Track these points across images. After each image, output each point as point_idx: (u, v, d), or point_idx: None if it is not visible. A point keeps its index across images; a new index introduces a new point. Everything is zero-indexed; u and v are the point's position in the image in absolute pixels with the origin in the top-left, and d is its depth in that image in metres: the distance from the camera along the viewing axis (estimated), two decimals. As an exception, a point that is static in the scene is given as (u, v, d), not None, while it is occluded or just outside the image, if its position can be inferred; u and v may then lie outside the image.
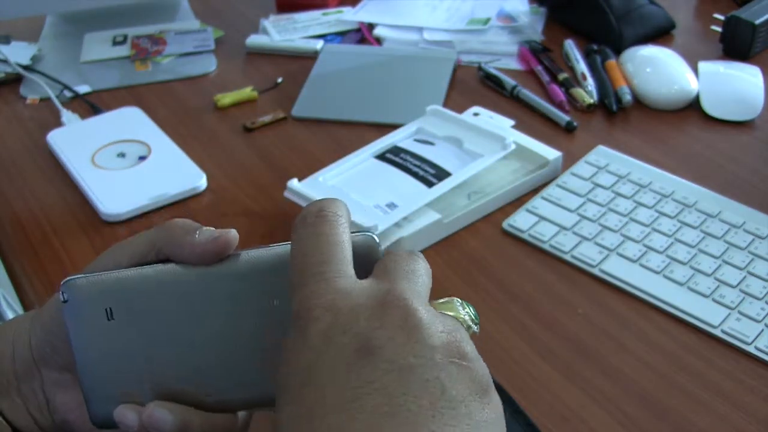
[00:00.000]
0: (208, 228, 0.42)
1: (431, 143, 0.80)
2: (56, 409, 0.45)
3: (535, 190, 0.78)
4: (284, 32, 1.06)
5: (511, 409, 0.57)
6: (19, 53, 1.01)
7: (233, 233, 0.41)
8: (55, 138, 0.86)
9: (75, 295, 0.41)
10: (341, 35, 1.06)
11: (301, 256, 0.37)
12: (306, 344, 0.34)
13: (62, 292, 0.41)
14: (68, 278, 0.41)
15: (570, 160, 0.81)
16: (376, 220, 0.68)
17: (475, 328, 0.39)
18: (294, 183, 0.73)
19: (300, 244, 0.38)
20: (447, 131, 0.81)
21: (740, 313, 0.64)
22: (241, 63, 1.02)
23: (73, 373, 0.44)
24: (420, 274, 0.38)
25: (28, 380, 0.45)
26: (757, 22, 0.96)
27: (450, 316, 0.37)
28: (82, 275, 0.41)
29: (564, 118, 0.87)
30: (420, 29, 1.06)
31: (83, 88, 0.96)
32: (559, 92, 0.91)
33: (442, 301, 0.40)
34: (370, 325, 0.34)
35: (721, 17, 1.00)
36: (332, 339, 0.34)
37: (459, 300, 0.40)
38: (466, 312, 0.39)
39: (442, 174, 0.75)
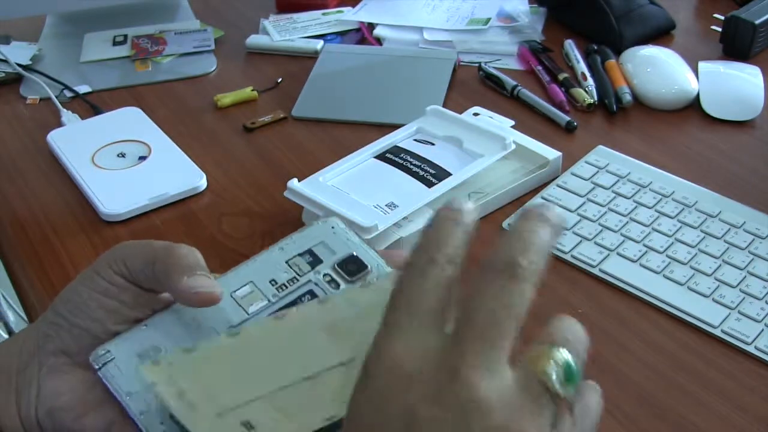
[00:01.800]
0: (201, 274, 0.44)
1: (431, 143, 0.80)
2: (44, 398, 0.45)
3: (535, 190, 0.78)
4: (284, 32, 1.06)
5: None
6: (19, 53, 1.01)
7: (216, 295, 0.43)
8: (55, 138, 0.86)
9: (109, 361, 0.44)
10: (341, 35, 1.06)
11: (397, 295, 0.36)
12: (364, 405, 0.34)
13: (93, 362, 0.43)
14: (98, 351, 0.44)
15: (570, 160, 0.81)
16: (376, 220, 0.68)
17: (563, 391, 0.34)
18: (294, 183, 0.73)
19: (401, 284, 0.36)
20: (447, 131, 0.80)
21: (740, 313, 0.64)
22: (241, 63, 1.02)
23: (69, 356, 0.45)
24: (508, 313, 0.34)
25: (25, 370, 0.45)
26: (757, 22, 0.96)
27: (532, 390, 0.33)
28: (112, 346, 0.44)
29: (564, 118, 0.87)
30: (420, 29, 1.06)
31: (83, 88, 0.96)
32: (559, 92, 0.91)
33: (534, 353, 0.35)
34: (422, 398, 0.32)
35: (721, 17, 1.00)
36: (383, 408, 0.33)
37: (561, 349, 0.34)
38: (557, 368, 0.34)
39: (442, 174, 0.75)
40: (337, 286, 0.47)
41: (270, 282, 0.47)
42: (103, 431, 0.45)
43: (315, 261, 0.47)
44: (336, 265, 0.47)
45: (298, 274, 0.47)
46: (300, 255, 0.48)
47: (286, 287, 0.46)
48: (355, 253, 0.48)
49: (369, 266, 0.47)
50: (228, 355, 0.41)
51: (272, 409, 0.39)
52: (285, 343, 0.41)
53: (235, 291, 0.46)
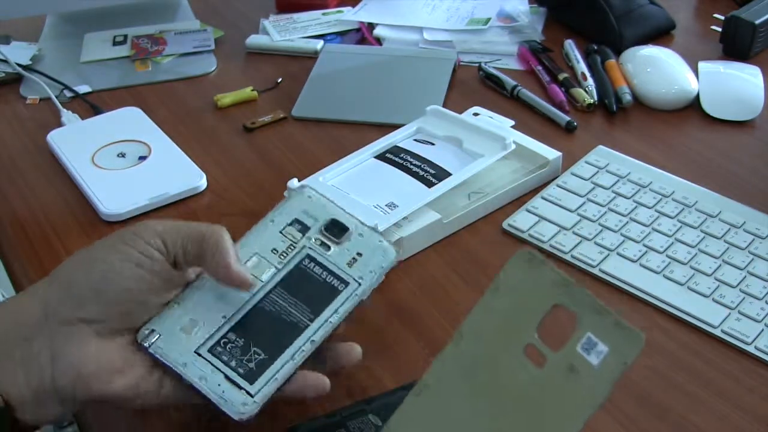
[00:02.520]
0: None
1: (431, 143, 0.80)
2: (67, 367, 0.45)
3: (535, 190, 0.78)
4: (284, 32, 1.06)
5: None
6: (19, 53, 1.01)
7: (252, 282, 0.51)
8: (55, 138, 0.86)
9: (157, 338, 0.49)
10: (341, 35, 1.06)
11: None
12: None
13: (142, 341, 0.49)
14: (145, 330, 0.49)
15: (570, 160, 0.81)
16: (376, 220, 0.68)
17: None
18: (294, 183, 0.73)
19: None
20: (447, 131, 0.81)
21: (740, 313, 0.64)
22: (241, 63, 1.02)
23: (89, 324, 0.46)
24: None
25: (31, 340, 0.46)
26: (757, 22, 0.96)
27: None
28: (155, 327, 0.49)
29: (564, 118, 0.87)
30: (420, 29, 1.06)
31: (83, 88, 0.96)
32: (559, 92, 0.91)
33: None
34: None
35: (721, 17, 1.00)
36: None
37: None
38: None
39: (442, 174, 0.75)
40: (328, 248, 0.54)
41: (272, 251, 0.54)
42: (131, 389, 0.47)
43: (303, 228, 0.55)
44: (322, 230, 0.55)
45: (293, 242, 0.54)
46: (290, 224, 0.55)
47: (287, 254, 0.54)
48: (335, 218, 0.55)
49: (349, 227, 0.55)
50: None
51: None
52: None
53: (245, 263, 0.53)
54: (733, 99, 0.90)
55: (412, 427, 0.42)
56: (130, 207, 0.76)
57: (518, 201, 0.77)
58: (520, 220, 0.74)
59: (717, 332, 0.63)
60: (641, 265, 0.69)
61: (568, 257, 0.70)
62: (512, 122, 0.85)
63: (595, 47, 0.98)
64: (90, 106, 0.93)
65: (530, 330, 0.41)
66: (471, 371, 0.42)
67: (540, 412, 0.39)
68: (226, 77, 0.99)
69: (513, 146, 0.77)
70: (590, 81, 0.92)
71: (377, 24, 1.07)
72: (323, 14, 1.10)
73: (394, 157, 0.78)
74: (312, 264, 0.53)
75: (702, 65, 0.93)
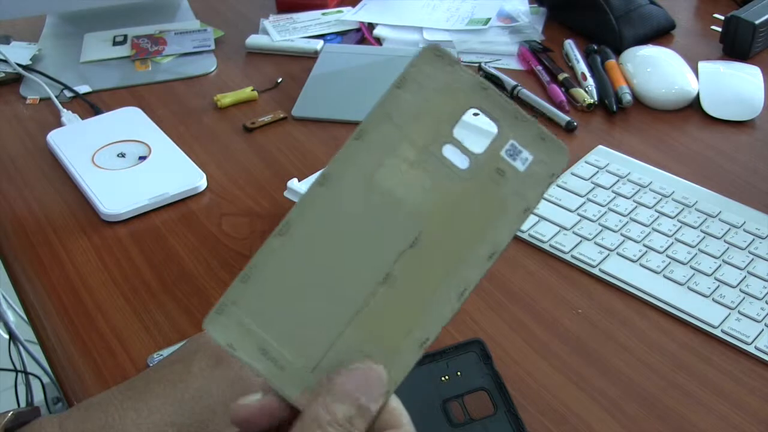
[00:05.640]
0: None
1: (431, 143, 0.80)
2: None
3: (535, 190, 0.78)
4: (284, 32, 1.06)
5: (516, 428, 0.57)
6: (19, 53, 1.01)
7: None
8: (55, 138, 0.86)
9: None
10: (341, 35, 1.06)
11: None
12: None
13: None
14: None
15: (570, 160, 0.81)
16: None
17: None
18: (294, 183, 0.73)
19: None
20: (447, 131, 0.80)
21: (740, 313, 0.64)
22: (241, 63, 1.02)
23: None
24: None
25: None
26: (757, 22, 0.96)
27: None
28: None
29: (564, 118, 0.87)
30: (420, 29, 1.06)
31: (83, 88, 0.96)
32: (559, 92, 0.91)
33: None
34: None
35: (721, 17, 1.00)
36: None
37: None
38: None
39: (442, 174, 0.75)
40: None
41: None
42: None
43: None
44: None
45: None
46: None
47: None
48: None
49: None
50: (288, 266, 0.35)
51: (361, 342, 0.35)
52: (341, 227, 0.35)
53: None
54: (733, 99, 0.90)
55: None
56: (130, 207, 0.76)
57: (518, 201, 0.77)
58: (520, 220, 0.74)
59: (717, 332, 0.63)
60: (641, 265, 0.69)
61: (568, 257, 0.70)
62: (512, 122, 0.85)
63: (595, 47, 0.98)
64: (90, 106, 0.93)
65: (446, 133, 0.37)
66: (370, 184, 0.35)
67: (466, 218, 0.35)
68: (226, 77, 0.99)
69: (513, 146, 0.77)
70: (590, 81, 0.92)
71: (377, 24, 1.07)
72: (323, 14, 1.10)
73: (394, 157, 0.77)
74: None
75: (702, 65, 0.93)
